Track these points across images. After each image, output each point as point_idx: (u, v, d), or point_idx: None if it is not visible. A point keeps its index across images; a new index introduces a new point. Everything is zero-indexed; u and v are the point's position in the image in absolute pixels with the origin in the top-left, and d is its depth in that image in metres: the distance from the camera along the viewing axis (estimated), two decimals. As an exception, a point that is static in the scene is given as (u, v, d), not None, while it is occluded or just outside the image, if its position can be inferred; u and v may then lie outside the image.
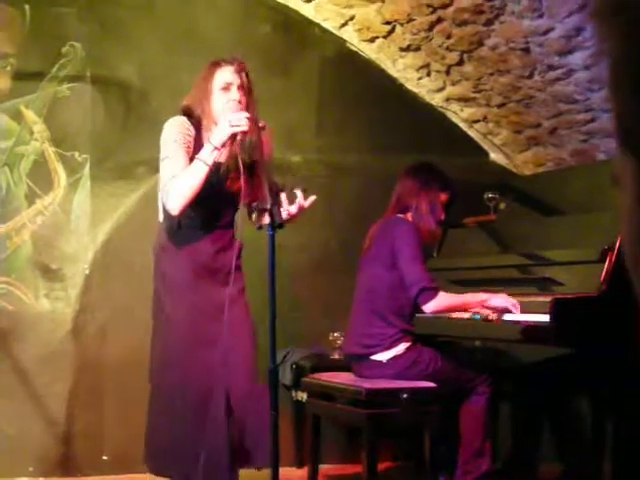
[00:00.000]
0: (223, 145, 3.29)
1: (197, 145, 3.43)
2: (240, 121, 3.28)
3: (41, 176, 4.69)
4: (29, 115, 4.66)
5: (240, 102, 3.44)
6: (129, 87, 4.82)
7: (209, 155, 3.30)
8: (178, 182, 3.35)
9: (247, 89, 3.50)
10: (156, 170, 4.79)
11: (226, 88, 3.46)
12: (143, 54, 4.85)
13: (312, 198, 3.39)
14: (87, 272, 4.72)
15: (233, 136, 3.29)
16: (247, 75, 3.52)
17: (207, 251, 3.47)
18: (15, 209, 4.65)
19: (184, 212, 3.39)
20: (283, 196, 3.25)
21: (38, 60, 4.69)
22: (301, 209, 3.36)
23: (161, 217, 3.54)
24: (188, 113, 3.49)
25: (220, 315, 3.30)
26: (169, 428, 3.41)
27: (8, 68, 4.63)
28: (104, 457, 4.69)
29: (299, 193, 3.35)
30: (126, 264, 4.78)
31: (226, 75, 3.48)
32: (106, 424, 4.70)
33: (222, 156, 3.39)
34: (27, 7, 4.65)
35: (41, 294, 4.67)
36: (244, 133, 3.31)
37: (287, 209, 3.29)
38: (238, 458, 3.30)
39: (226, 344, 3.26)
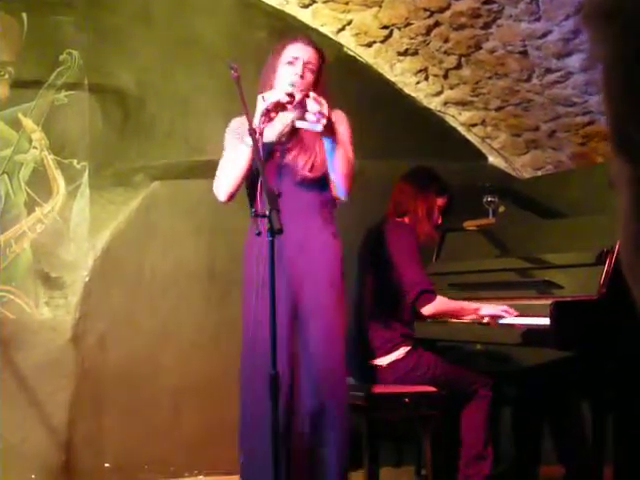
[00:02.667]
0: (264, 122, 3.15)
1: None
2: (274, 95, 3.18)
3: (40, 184, 4.68)
4: (27, 123, 4.66)
5: (302, 77, 3.32)
6: (127, 94, 4.81)
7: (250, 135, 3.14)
8: (221, 169, 3.35)
9: (315, 67, 3.39)
10: (154, 177, 4.83)
11: (292, 62, 3.36)
12: (140, 61, 4.84)
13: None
14: (87, 279, 4.71)
15: (270, 110, 3.16)
16: (321, 56, 3.42)
17: (264, 253, 2.92)
18: (15, 217, 4.65)
19: (231, 199, 3.35)
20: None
21: (36, 68, 4.69)
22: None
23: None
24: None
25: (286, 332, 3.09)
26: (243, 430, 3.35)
27: (6, 76, 4.63)
28: (106, 464, 4.67)
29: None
30: (126, 271, 4.78)
31: (294, 49, 3.39)
32: (108, 431, 4.69)
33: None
34: (25, 15, 4.65)
35: (41, 302, 4.66)
36: (288, 104, 3.21)
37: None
38: None
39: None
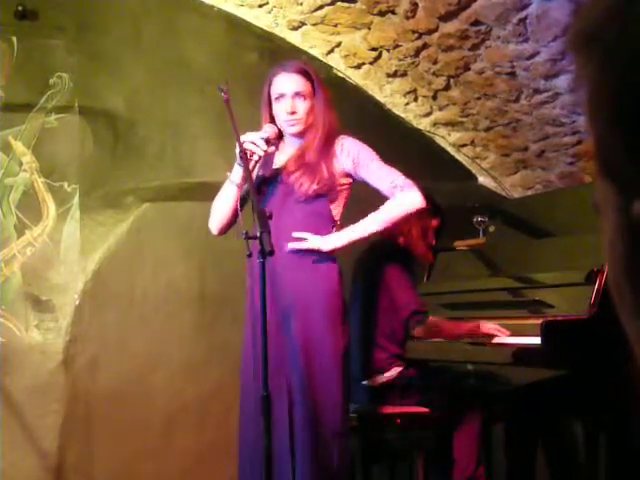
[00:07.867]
0: (245, 161, 3.14)
1: (267, 161, 3.42)
2: (248, 140, 3.19)
3: (30, 207, 4.67)
4: (18, 146, 4.66)
5: (294, 112, 3.33)
6: (117, 117, 4.81)
7: (235, 173, 3.29)
8: (213, 204, 3.40)
9: (307, 92, 3.39)
10: (144, 199, 4.82)
11: (278, 99, 3.37)
12: (131, 84, 4.85)
13: None
14: (77, 302, 4.70)
15: (246, 154, 3.15)
16: (308, 76, 3.41)
17: (255, 275, 3.04)
18: (5, 240, 4.63)
19: (223, 233, 3.41)
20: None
21: (26, 91, 4.69)
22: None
23: None
24: None
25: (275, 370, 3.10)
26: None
27: (-4, 100, 4.63)
28: (97, 488, 4.65)
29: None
30: (116, 293, 4.76)
31: (277, 85, 3.38)
32: (98, 455, 4.66)
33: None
34: (14, 39, 4.66)
35: (32, 325, 4.64)
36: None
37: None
38: None
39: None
